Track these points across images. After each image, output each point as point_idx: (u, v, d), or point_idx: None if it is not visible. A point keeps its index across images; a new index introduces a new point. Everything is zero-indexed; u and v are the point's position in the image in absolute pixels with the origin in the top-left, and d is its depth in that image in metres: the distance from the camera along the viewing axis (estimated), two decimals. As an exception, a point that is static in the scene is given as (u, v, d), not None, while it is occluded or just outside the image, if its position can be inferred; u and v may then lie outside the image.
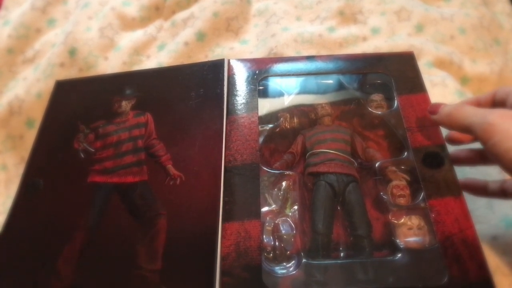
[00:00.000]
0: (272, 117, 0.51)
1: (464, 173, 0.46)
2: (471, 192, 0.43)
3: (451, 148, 0.43)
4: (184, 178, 0.43)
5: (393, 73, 0.49)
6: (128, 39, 0.68)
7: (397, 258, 0.39)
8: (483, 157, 0.42)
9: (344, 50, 0.63)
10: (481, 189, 0.43)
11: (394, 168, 0.45)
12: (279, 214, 0.43)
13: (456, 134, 0.43)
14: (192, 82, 0.51)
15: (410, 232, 0.40)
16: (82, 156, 0.47)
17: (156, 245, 0.40)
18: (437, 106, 0.41)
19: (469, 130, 0.36)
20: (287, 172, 0.46)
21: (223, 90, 0.49)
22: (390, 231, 0.41)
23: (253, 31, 0.69)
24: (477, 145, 0.40)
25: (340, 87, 0.53)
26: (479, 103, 0.41)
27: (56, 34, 0.71)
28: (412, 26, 0.65)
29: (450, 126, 0.40)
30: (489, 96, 0.40)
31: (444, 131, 0.44)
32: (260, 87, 0.51)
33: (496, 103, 0.40)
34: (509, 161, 0.32)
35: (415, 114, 0.45)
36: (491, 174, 0.48)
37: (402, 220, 0.41)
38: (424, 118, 0.45)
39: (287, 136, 0.50)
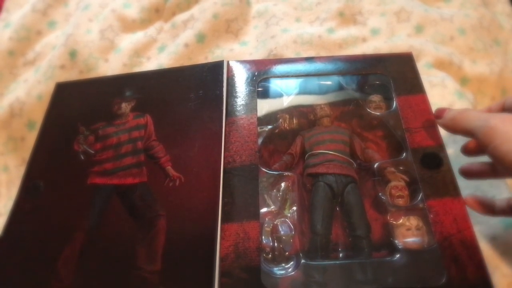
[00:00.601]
0: (271, 118, 0.51)
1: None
2: (478, 211, 0.41)
3: (463, 162, 0.43)
4: (184, 179, 0.44)
5: (392, 74, 0.49)
6: (128, 41, 0.69)
7: (395, 258, 0.39)
8: (494, 170, 0.41)
9: (343, 51, 0.63)
10: (488, 208, 0.41)
11: (392, 169, 0.45)
12: (278, 215, 0.43)
13: (471, 145, 0.43)
14: (192, 84, 0.51)
15: (409, 233, 0.40)
16: (82, 157, 0.48)
17: (155, 246, 0.40)
18: (443, 110, 0.41)
19: (471, 134, 0.36)
20: (286, 173, 0.46)
21: (222, 92, 0.49)
22: (388, 231, 0.41)
23: (252, 32, 0.69)
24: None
25: (339, 88, 0.53)
26: (490, 112, 0.41)
27: (56, 36, 0.71)
28: (412, 27, 0.65)
29: (454, 130, 0.40)
30: (500, 105, 0.41)
31: (461, 140, 0.43)
32: (259, 88, 0.51)
33: (506, 110, 0.40)
34: (510, 163, 0.32)
35: (413, 115, 0.45)
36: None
37: (401, 221, 0.41)
38: (422, 119, 0.45)
39: (286, 137, 0.50)
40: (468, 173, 0.43)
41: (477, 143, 0.38)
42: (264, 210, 0.43)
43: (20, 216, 0.45)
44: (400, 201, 0.43)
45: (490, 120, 0.34)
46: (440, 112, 0.42)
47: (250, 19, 0.71)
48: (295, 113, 0.52)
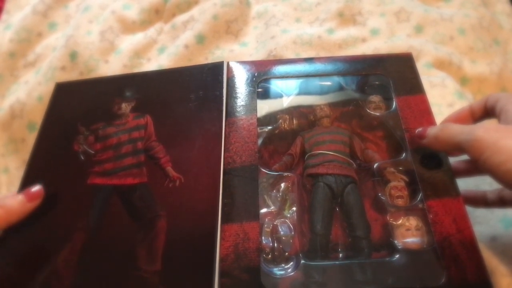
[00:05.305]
0: (271, 118, 0.51)
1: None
2: (471, 205, 0.43)
3: (451, 161, 0.43)
4: (184, 180, 0.44)
5: (391, 74, 0.49)
6: (128, 42, 0.69)
7: (395, 259, 0.39)
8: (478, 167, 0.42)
9: (343, 51, 0.63)
10: (480, 200, 0.43)
11: (392, 169, 0.45)
12: (278, 216, 0.43)
13: None
14: (192, 84, 0.51)
15: (408, 233, 0.40)
16: (82, 158, 0.48)
17: (155, 247, 0.40)
18: (424, 130, 0.41)
19: (459, 149, 0.36)
20: (286, 174, 0.46)
21: (222, 92, 0.49)
22: (388, 232, 0.41)
23: (252, 33, 0.69)
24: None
25: (339, 88, 0.53)
26: (472, 111, 0.41)
27: (57, 38, 0.71)
28: (412, 27, 0.65)
29: (441, 147, 0.40)
30: (481, 104, 0.40)
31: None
32: (259, 89, 0.51)
33: (488, 110, 0.40)
34: (503, 174, 0.32)
35: (413, 115, 0.45)
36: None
37: (400, 221, 0.41)
38: (422, 119, 0.45)
39: (286, 138, 0.50)
40: (457, 172, 0.43)
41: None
42: (264, 210, 0.43)
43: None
44: (400, 202, 0.43)
45: (474, 133, 0.34)
46: (422, 133, 0.41)
47: (250, 20, 0.71)
48: (295, 114, 0.52)
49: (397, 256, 0.39)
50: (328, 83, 0.53)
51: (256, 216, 0.40)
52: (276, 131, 0.51)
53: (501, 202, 0.42)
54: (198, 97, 0.50)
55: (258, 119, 0.48)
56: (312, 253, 0.41)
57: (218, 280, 0.37)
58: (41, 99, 0.61)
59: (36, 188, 0.43)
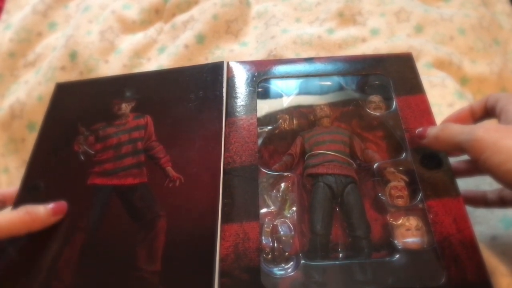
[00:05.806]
0: (271, 118, 0.51)
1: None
2: (471, 205, 0.43)
3: (451, 161, 0.43)
4: (184, 180, 0.43)
5: (391, 74, 0.49)
6: (128, 42, 0.69)
7: (395, 259, 0.39)
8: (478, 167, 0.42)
9: (343, 51, 0.64)
10: (480, 200, 0.43)
11: (392, 169, 0.45)
12: (278, 216, 0.43)
13: None
14: (192, 84, 0.51)
15: (408, 233, 0.40)
16: (82, 158, 0.48)
17: (155, 247, 0.40)
18: (424, 130, 0.41)
19: (459, 149, 0.36)
20: (286, 174, 0.46)
21: (222, 92, 0.49)
22: (388, 232, 0.41)
23: (252, 33, 0.69)
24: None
25: (339, 88, 0.53)
26: (472, 111, 0.41)
27: (57, 38, 0.71)
28: (412, 27, 0.65)
29: (441, 147, 0.40)
30: (482, 103, 0.40)
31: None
32: (259, 89, 0.51)
33: (488, 110, 0.40)
34: (503, 174, 0.32)
35: (413, 115, 0.45)
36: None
37: (400, 221, 0.41)
38: (422, 119, 0.45)
39: (286, 138, 0.50)
40: (458, 172, 0.43)
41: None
42: (264, 210, 0.43)
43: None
44: (400, 202, 0.43)
45: (475, 132, 0.34)
46: (422, 133, 0.42)
47: (250, 20, 0.71)
48: (295, 114, 0.52)
49: (397, 256, 0.39)
50: (328, 83, 0.53)
51: (256, 216, 0.40)
52: (276, 131, 0.51)
53: (501, 202, 0.42)
54: (198, 97, 0.50)
55: (258, 119, 0.48)
56: (312, 253, 0.41)
57: (218, 280, 0.37)
58: (41, 99, 0.61)
59: (62, 203, 0.43)
